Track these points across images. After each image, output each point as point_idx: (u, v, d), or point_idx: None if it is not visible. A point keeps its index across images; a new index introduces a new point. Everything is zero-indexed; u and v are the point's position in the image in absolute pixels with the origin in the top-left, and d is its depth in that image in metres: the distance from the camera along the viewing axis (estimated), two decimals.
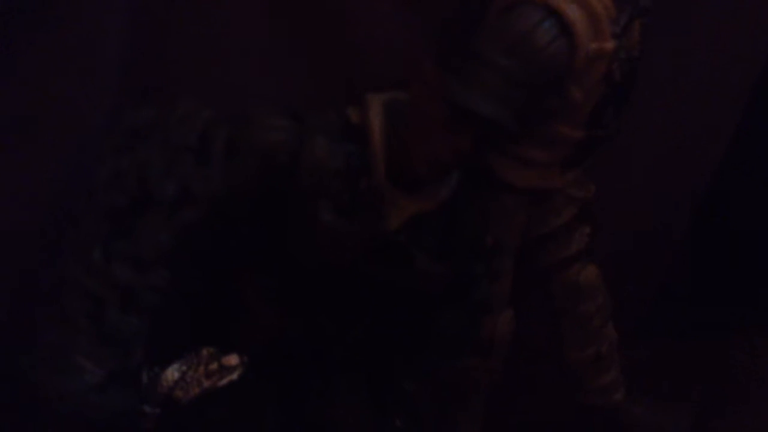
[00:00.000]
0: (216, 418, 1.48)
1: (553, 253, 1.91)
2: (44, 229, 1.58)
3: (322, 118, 1.45)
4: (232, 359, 1.50)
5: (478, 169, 1.69)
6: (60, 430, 1.39)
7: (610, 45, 1.62)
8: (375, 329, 1.59)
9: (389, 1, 1.82)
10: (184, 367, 1.47)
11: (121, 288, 1.36)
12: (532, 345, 2.00)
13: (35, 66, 1.53)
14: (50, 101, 1.57)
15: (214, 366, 1.49)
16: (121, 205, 1.37)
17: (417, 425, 1.68)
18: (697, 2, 2.07)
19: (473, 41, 1.48)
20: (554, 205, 1.86)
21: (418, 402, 1.67)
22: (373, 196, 1.43)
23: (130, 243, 1.36)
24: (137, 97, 1.50)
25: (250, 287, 1.51)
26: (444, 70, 1.38)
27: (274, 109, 1.45)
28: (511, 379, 1.96)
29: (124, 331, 1.37)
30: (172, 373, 1.46)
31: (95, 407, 1.36)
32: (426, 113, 1.37)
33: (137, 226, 1.37)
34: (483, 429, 1.99)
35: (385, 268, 1.49)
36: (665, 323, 2.42)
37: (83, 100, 1.60)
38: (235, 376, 1.49)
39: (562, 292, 1.95)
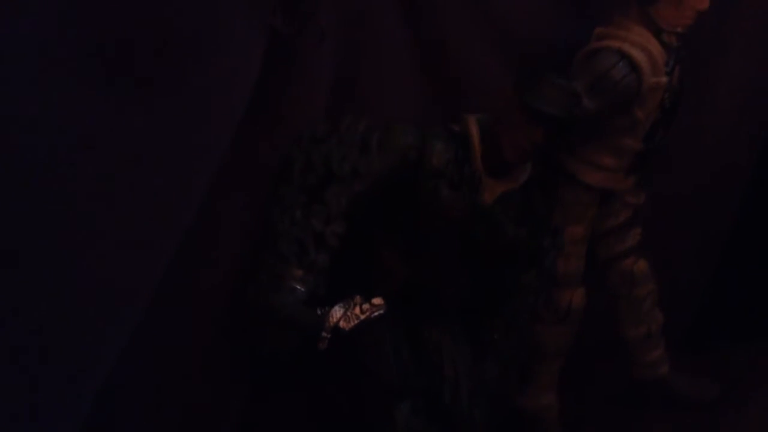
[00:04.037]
0: (368, 342, 2.04)
1: (612, 247, 2.43)
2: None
3: (436, 128, 2.09)
4: (378, 300, 2.03)
5: (563, 173, 2.23)
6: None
7: (664, 80, 2.19)
8: (473, 284, 2.16)
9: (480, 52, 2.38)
10: (344, 307, 2.00)
11: (315, 234, 1.94)
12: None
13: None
14: None
15: (366, 306, 2.02)
16: (313, 182, 1.98)
17: (503, 370, 2.20)
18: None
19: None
20: (613, 208, 2.39)
21: (505, 352, 2.19)
22: (473, 178, 2.04)
23: (321, 204, 1.96)
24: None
25: (386, 249, 2.11)
26: (520, 89, 1.98)
27: (407, 122, 2.08)
28: (578, 350, 2.43)
29: (318, 264, 1.95)
30: (337, 310, 1.99)
31: (302, 313, 1.93)
32: (510, 115, 1.98)
33: (326, 194, 1.96)
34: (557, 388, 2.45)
35: (483, 232, 2.07)
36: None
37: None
38: (381, 311, 2.01)
39: (619, 279, 2.44)
